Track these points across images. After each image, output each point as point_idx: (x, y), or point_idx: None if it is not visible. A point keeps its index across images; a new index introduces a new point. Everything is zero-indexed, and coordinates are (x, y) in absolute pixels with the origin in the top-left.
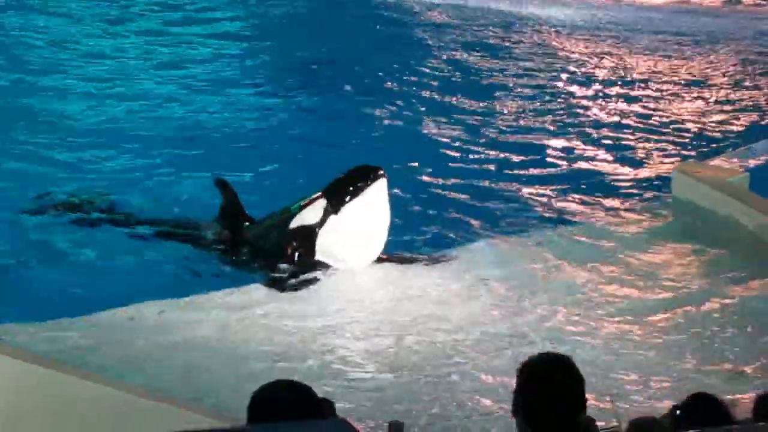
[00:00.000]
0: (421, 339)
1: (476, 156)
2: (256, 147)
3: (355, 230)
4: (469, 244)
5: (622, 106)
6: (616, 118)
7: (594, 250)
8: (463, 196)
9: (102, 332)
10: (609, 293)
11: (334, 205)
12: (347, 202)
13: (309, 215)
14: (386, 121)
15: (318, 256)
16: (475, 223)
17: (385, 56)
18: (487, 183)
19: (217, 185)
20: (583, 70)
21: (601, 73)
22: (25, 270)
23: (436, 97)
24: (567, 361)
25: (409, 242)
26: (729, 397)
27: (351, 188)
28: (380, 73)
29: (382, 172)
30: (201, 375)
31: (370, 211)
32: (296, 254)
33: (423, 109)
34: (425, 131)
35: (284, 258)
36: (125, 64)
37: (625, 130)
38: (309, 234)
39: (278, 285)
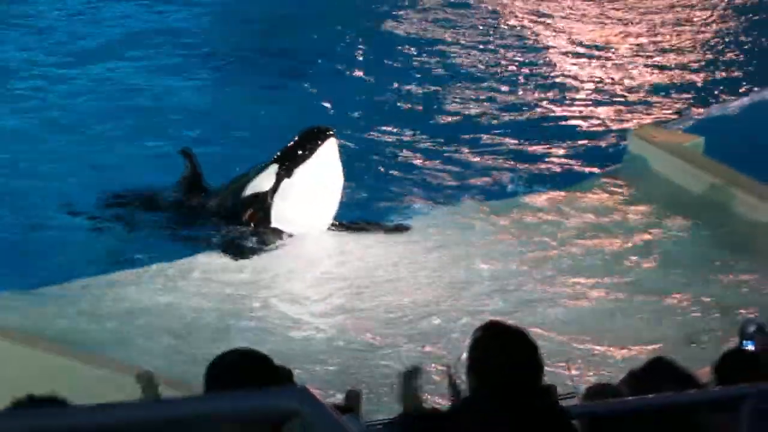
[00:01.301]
0: (370, 304)
1: (435, 122)
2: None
3: (309, 192)
4: (424, 212)
5: (580, 68)
6: (574, 81)
7: (548, 215)
8: (420, 164)
9: (56, 301)
10: (557, 255)
11: (287, 170)
12: (299, 165)
13: (262, 182)
14: (348, 85)
15: (274, 222)
16: (429, 191)
17: (351, 25)
18: (443, 150)
19: (181, 154)
20: (543, 31)
21: (560, 36)
22: None
23: (397, 64)
24: (519, 328)
25: (366, 208)
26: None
27: (301, 151)
28: (347, 40)
29: (331, 132)
30: (149, 341)
31: (323, 171)
32: (251, 221)
33: (384, 74)
34: (386, 98)
35: (240, 225)
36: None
37: (583, 93)
38: (263, 200)
39: (234, 251)
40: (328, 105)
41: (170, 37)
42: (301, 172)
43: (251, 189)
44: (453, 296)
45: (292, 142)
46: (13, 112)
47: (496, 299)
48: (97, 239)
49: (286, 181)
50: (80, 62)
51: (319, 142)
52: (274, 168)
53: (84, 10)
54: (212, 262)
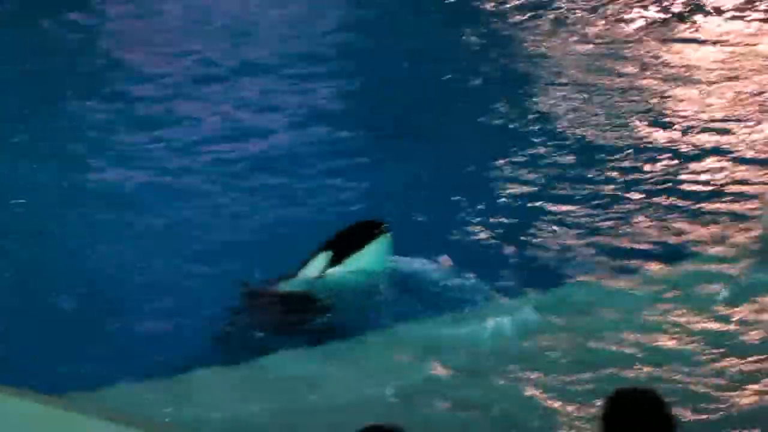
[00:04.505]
0: None
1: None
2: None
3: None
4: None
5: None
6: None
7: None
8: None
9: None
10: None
11: (337, 257)
12: (349, 254)
13: (312, 267)
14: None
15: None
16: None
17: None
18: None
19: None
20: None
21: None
22: None
23: None
24: (650, 388)
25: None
26: None
27: (355, 242)
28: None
29: (385, 226)
30: None
31: (371, 263)
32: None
33: None
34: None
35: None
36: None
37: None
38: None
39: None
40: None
41: None
42: (350, 261)
43: (302, 275)
44: None
45: (347, 231)
46: None
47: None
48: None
49: (335, 268)
50: None
51: (373, 236)
52: (326, 255)
53: None
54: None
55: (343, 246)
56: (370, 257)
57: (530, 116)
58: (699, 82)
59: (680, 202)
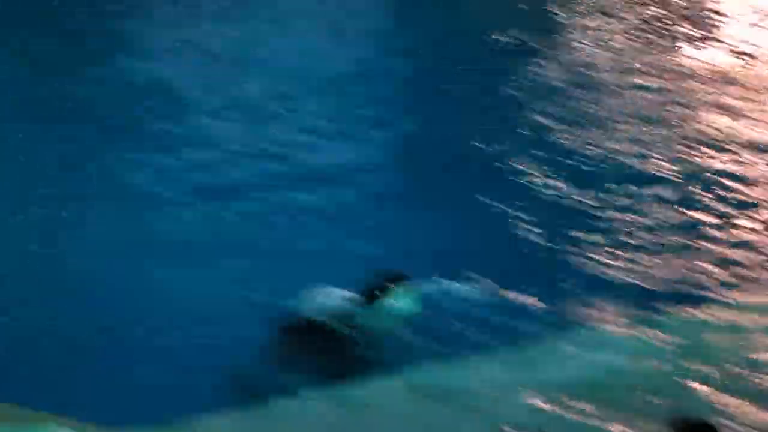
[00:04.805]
0: None
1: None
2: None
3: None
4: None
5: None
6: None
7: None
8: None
9: None
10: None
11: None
12: (375, 301)
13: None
14: None
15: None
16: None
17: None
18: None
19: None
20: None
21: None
22: None
23: None
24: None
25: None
26: None
27: (379, 291)
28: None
29: (406, 279)
30: None
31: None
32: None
33: None
34: None
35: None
36: None
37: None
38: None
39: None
40: None
41: None
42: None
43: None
44: None
45: (375, 281)
46: None
47: None
48: None
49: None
50: None
51: (396, 287)
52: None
53: None
54: None
55: (370, 293)
56: (397, 305)
57: (559, 150)
58: (729, 111)
59: (710, 246)
